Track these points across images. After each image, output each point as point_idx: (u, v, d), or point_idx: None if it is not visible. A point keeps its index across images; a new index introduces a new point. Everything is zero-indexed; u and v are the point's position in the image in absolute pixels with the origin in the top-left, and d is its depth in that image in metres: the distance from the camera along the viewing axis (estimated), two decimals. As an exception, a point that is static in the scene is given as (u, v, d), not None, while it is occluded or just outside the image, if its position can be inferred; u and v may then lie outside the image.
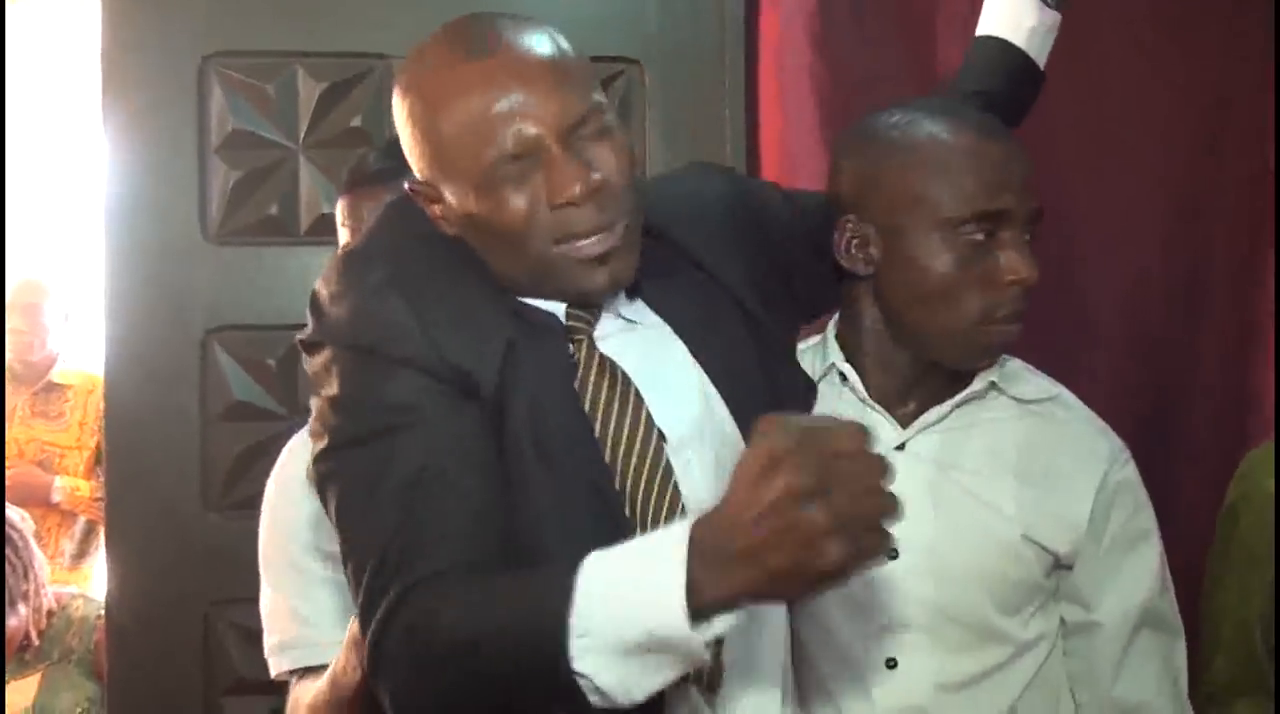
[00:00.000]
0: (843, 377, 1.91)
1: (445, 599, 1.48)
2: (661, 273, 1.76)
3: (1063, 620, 1.91)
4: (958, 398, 1.88)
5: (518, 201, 1.59)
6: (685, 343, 1.75)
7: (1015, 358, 1.95)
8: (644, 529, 1.60)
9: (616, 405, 1.66)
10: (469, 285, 1.65)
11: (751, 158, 2.95)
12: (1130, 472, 1.90)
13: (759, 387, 1.77)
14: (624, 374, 1.68)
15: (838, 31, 2.82)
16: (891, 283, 1.85)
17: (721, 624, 1.36)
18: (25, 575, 3.60)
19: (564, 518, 1.57)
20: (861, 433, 1.37)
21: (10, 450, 4.62)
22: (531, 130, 1.57)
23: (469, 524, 1.54)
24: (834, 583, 1.36)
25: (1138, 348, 2.81)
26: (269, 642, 2.11)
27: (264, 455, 2.53)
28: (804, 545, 1.31)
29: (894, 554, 1.80)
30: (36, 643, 3.67)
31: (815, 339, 1.98)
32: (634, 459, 1.64)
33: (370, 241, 1.71)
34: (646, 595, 1.36)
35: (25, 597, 3.60)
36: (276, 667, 2.09)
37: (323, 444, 1.61)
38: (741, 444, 1.69)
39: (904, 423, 1.89)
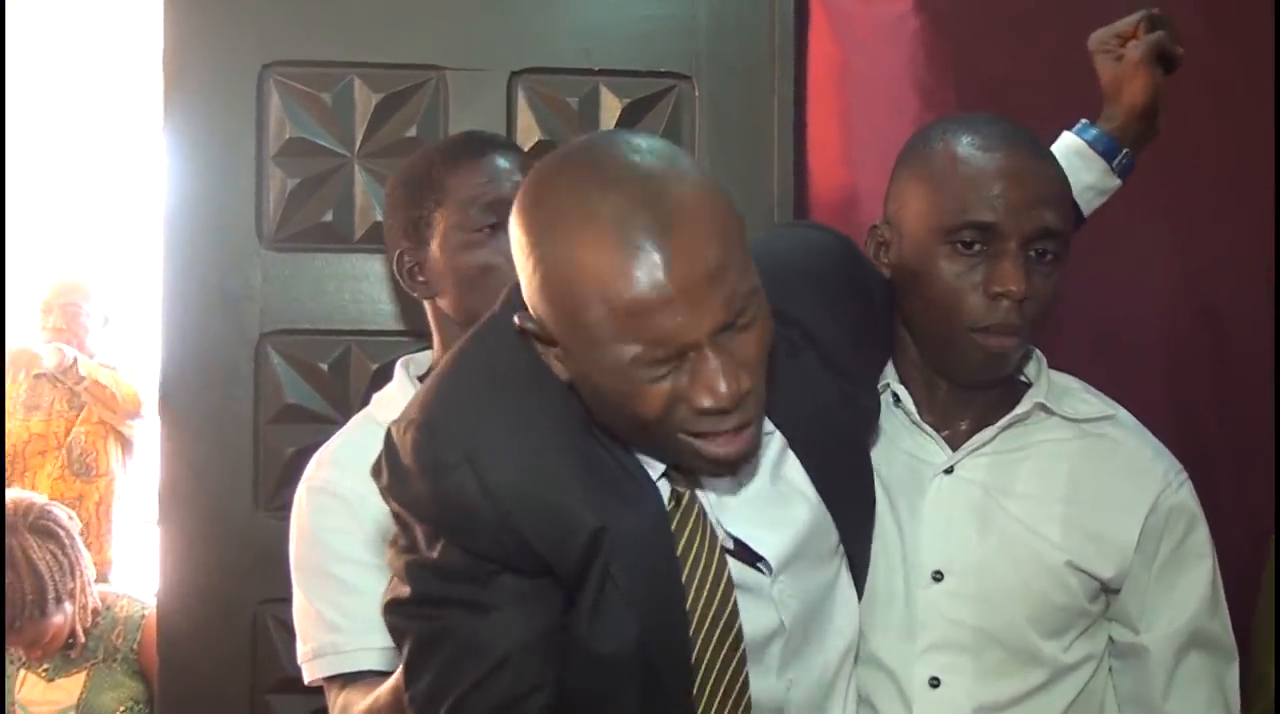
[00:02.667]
0: (896, 397, 1.94)
1: None
2: (785, 376, 1.69)
3: (1112, 640, 1.92)
4: (1003, 421, 1.90)
5: (657, 393, 1.49)
6: (788, 437, 1.73)
7: (1071, 376, 1.98)
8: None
9: (695, 548, 1.65)
10: (557, 455, 1.57)
11: (800, 174, 2.98)
12: (1185, 494, 1.90)
13: (848, 461, 1.79)
14: (701, 507, 1.67)
15: (896, 49, 2.84)
16: (904, 289, 1.89)
17: None
18: (71, 573, 3.64)
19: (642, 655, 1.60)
20: None
21: (49, 444, 4.67)
22: (690, 337, 1.45)
23: (516, 698, 1.58)
24: None
25: (1169, 364, 2.82)
26: (302, 649, 2.13)
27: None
28: None
29: (939, 576, 1.84)
30: (82, 641, 3.70)
31: None
32: (701, 605, 1.64)
33: (446, 399, 1.61)
34: None
35: (71, 594, 3.64)
36: (310, 673, 2.12)
37: (401, 593, 1.63)
38: (833, 545, 1.76)
39: (955, 445, 1.91)
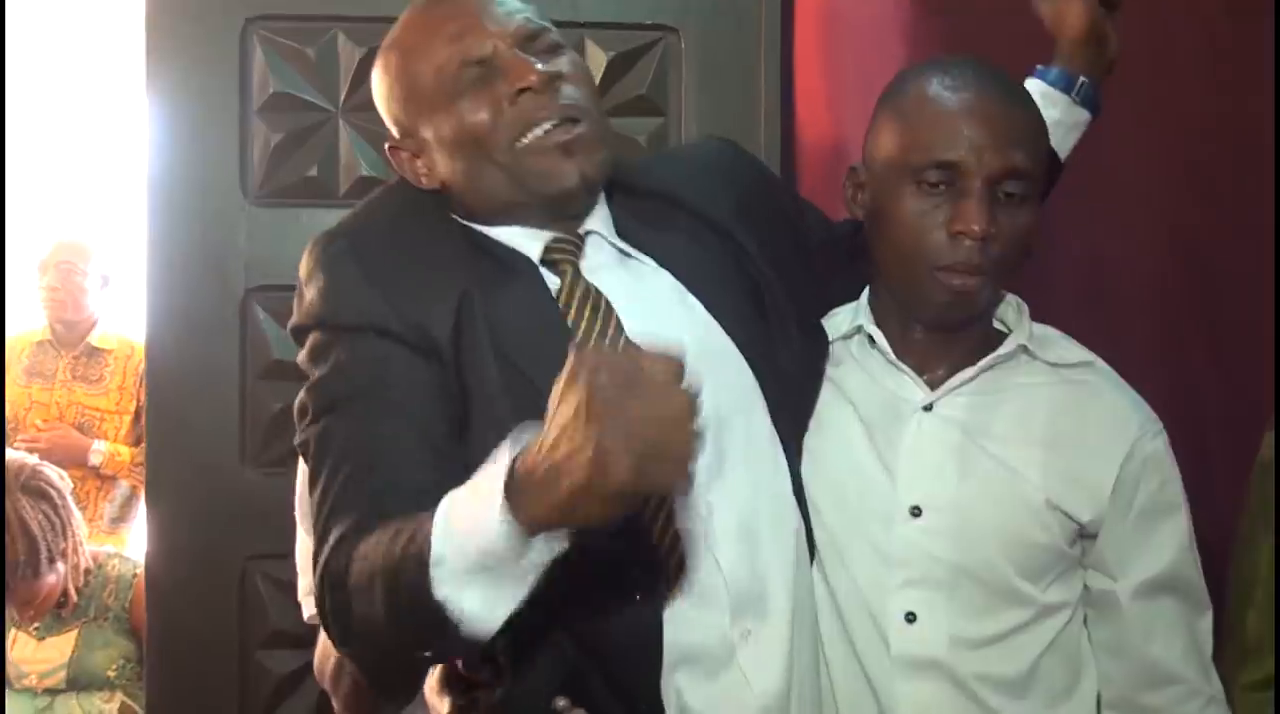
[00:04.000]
0: (871, 339, 1.95)
1: (357, 546, 1.57)
2: (662, 227, 1.85)
3: (1087, 588, 1.92)
4: (985, 361, 1.90)
5: (480, 103, 1.74)
6: (683, 284, 1.82)
7: (1044, 325, 1.98)
8: None
9: (596, 331, 1.73)
10: (431, 246, 1.78)
11: (788, 124, 2.97)
12: (1161, 444, 1.91)
13: (757, 334, 1.84)
14: (606, 302, 1.75)
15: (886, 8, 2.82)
16: (874, 229, 1.91)
17: (547, 542, 1.40)
18: (63, 533, 3.66)
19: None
20: (671, 364, 1.38)
21: (50, 413, 4.66)
22: (485, 40, 1.75)
23: (404, 476, 1.62)
24: (628, 505, 1.40)
25: (1163, 321, 2.80)
26: (301, 584, 2.17)
27: (302, 413, 2.57)
28: (593, 465, 1.33)
29: (917, 511, 1.84)
30: (74, 600, 3.72)
31: (851, 304, 2.01)
32: None
33: (340, 222, 1.84)
34: (475, 519, 1.42)
35: (63, 554, 3.66)
36: (308, 609, 2.14)
37: (305, 419, 1.72)
38: (745, 372, 1.80)
39: (934, 385, 1.91)
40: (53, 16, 6.21)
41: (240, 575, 2.87)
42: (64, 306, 4.72)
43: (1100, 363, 1.96)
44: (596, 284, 1.78)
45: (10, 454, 3.81)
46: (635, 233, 1.86)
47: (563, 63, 1.78)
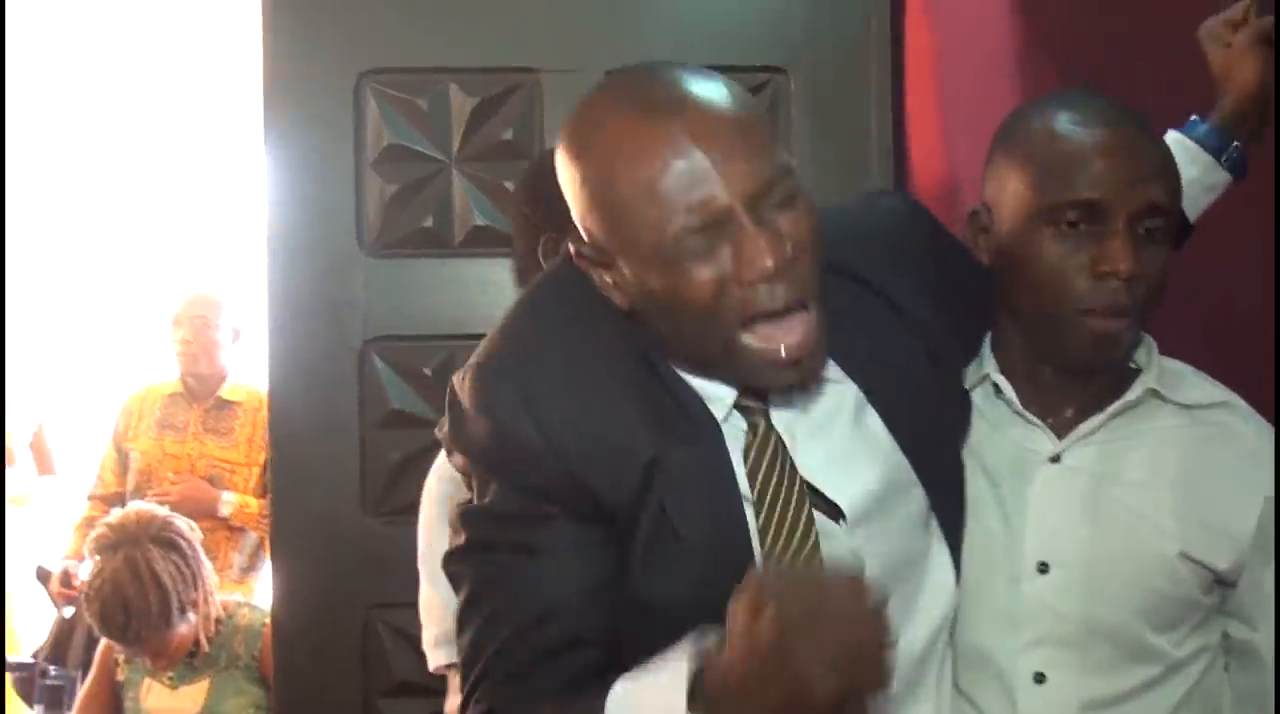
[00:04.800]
0: (996, 388, 1.86)
1: None
2: (840, 313, 1.66)
3: (1227, 635, 1.83)
4: (1112, 408, 1.80)
5: (704, 275, 1.50)
6: (866, 392, 1.70)
7: (1179, 361, 1.89)
8: None
9: (774, 487, 1.63)
10: (613, 388, 1.60)
11: (900, 164, 2.94)
12: None
13: (934, 427, 1.75)
14: (790, 462, 1.64)
15: (996, 35, 2.79)
16: (1004, 273, 1.81)
17: None
18: (194, 583, 3.70)
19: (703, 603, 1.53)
20: (858, 587, 1.37)
21: (182, 465, 4.74)
22: (721, 199, 1.48)
23: (564, 654, 1.57)
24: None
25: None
26: (427, 635, 2.17)
27: (420, 462, 2.57)
28: (795, 682, 1.32)
29: (1044, 568, 1.80)
30: (205, 649, 3.76)
31: None
32: (780, 545, 1.60)
33: (505, 343, 1.66)
34: None
35: (194, 604, 3.70)
36: (434, 660, 2.15)
37: (458, 541, 1.65)
38: (921, 513, 1.72)
39: (1061, 433, 1.82)
40: (177, 73, 6.36)
41: (363, 625, 2.89)
42: (197, 360, 4.80)
43: (1237, 401, 1.85)
44: (782, 427, 1.65)
45: (142, 506, 3.89)
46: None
47: (797, 228, 1.53)
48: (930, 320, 1.74)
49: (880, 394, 1.70)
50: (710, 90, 1.54)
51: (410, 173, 2.91)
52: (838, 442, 1.68)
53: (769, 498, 1.62)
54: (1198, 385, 1.85)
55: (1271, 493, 1.78)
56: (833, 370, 1.68)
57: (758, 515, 1.61)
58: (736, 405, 1.64)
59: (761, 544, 1.60)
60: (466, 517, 1.64)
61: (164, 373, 4.97)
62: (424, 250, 2.90)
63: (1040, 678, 1.79)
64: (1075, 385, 1.83)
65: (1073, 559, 1.78)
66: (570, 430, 1.57)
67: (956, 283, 1.81)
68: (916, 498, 1.72)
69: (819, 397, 1.68)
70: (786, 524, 1.61)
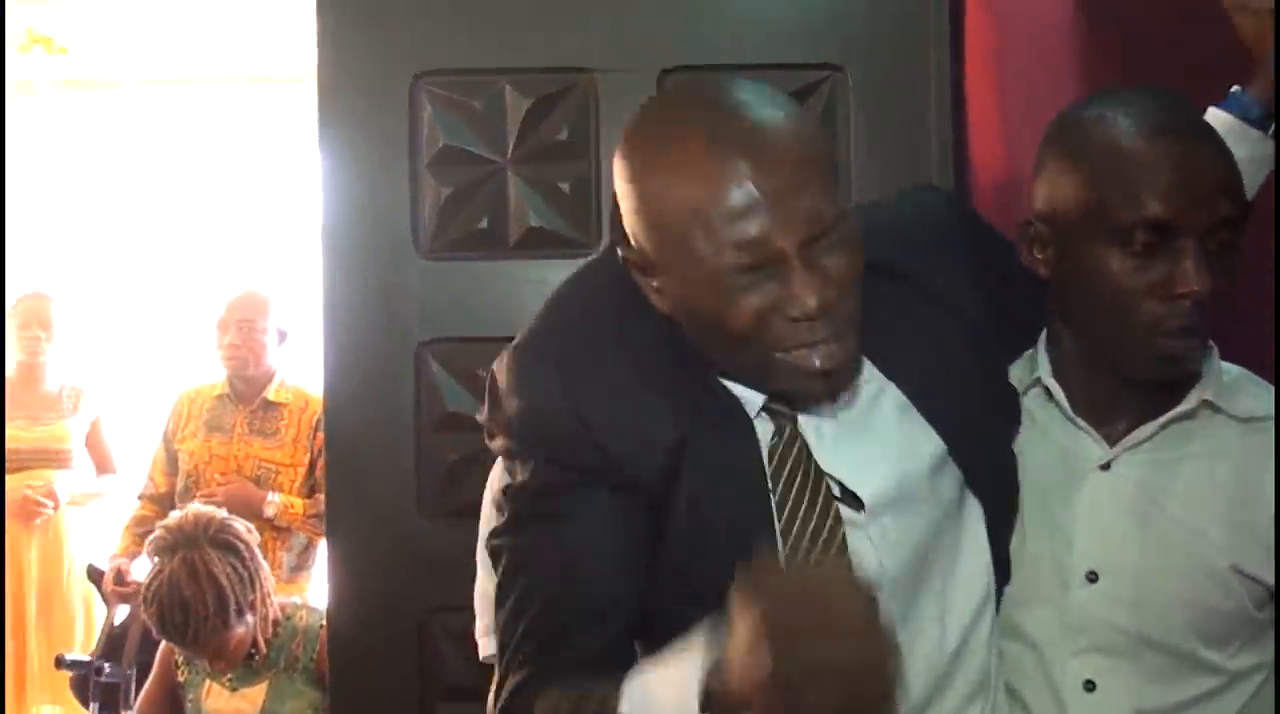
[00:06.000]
0: (1048, 392, 1.83)
1: (539, 697, 1.62)
2: (884, 312, 1.69)
3: None
4: (1164, 418, 1.76)
5: (749, 306, 1.54)
6: (905, 391, 1.71)
7: (1237, 366, 1.84)
8: None
9: (798, 486, 1.65)
10: (647, 374, 1.64)
11: (960, 163, 2.90)
12: None
13: (979, 422, 1.74)
14: (815, 466, 1.66)
15: (1058, 34, 2.73)
16: (1065, 288, 1.77)
17: None
18: (251, 585, 3.72)
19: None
20: (865, 604, 1.37)
21: (229, 466, 4.78)
22: (776, 243, 1.51)
23: (592, 625, 1.63)
24: None
25: None
26: (479, 625, 2.20)
27: (476, 464, 2.58)
28: (790, 693, 1.32)
29: (1094, 577, 1.76)
30: (264, 651, 3.77)
31: (1028, 352, 1.89)
32: (805, 542, 1.63)
33: (545, 328, 1.72)
34: None
35: (252, 606, 3.72)
36: (484, 649, 2.16)
37: (499, 521, 1.71)
38: (954, 501, 1.72)
39: (1112, 441, 1.78)
40: (231, 74, 6.39)
41: (419, 628, 2.88)
42: (245, 363, 4.84)
43: None
44: (810, 429, 1.68)
45: (200, 508, 3.90)
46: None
47: (844, 269, 1.55)
48: (972, 313, 1.74)
49: (916, 387, 1.71)
50: (777, 122, 1.55)
51: (465, 174, 2.89)
52: (864, 437, 1.69)
53: (791, 499, 1.64)
54: (1254, 395, 1.80)
55: None
56: (866, 370, 1.70)
57: (779, 515, 1.64)
58: (765, 408, 1.67)
59: (784, 543, 1.63)
60: (507, 495, 1.69)
61: (213, 374, 5.00)
62: (479, 252, 2.88)
63: (1090, 686, 1.76)
64: (1129, 393, 1.78)
65: (1122, 569, 1.75)
66: (602, 409, 1.62)
67: (1000, 277, 1.80)
68: (949, 487, 1.72)
69: (848, 400, 1.70)
70: (811, 525, 1.64)
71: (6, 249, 5.19)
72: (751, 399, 1.67)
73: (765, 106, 1.56)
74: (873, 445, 1.69)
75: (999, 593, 1.80)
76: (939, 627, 1.71)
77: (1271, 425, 1.77)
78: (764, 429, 1.68)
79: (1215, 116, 1.94)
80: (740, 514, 1.63)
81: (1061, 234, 1.75)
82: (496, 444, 1.71)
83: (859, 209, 1.62)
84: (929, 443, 1.71)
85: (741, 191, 1.50)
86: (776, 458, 1.66)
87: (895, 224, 1.78)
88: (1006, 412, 1.82)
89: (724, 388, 1.67)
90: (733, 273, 1.52)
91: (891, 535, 1.67)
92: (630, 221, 1.61)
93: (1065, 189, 1.74)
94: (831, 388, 1.64)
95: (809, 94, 2.86)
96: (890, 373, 1.71)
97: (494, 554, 1.71)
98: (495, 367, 1.69)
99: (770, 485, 1.65)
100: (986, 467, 1.76)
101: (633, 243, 1.62)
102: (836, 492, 1.67)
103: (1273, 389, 1.83)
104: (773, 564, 1.50)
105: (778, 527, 1.64)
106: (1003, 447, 1.80)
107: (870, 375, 1.70)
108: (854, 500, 1.67)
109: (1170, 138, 1.68)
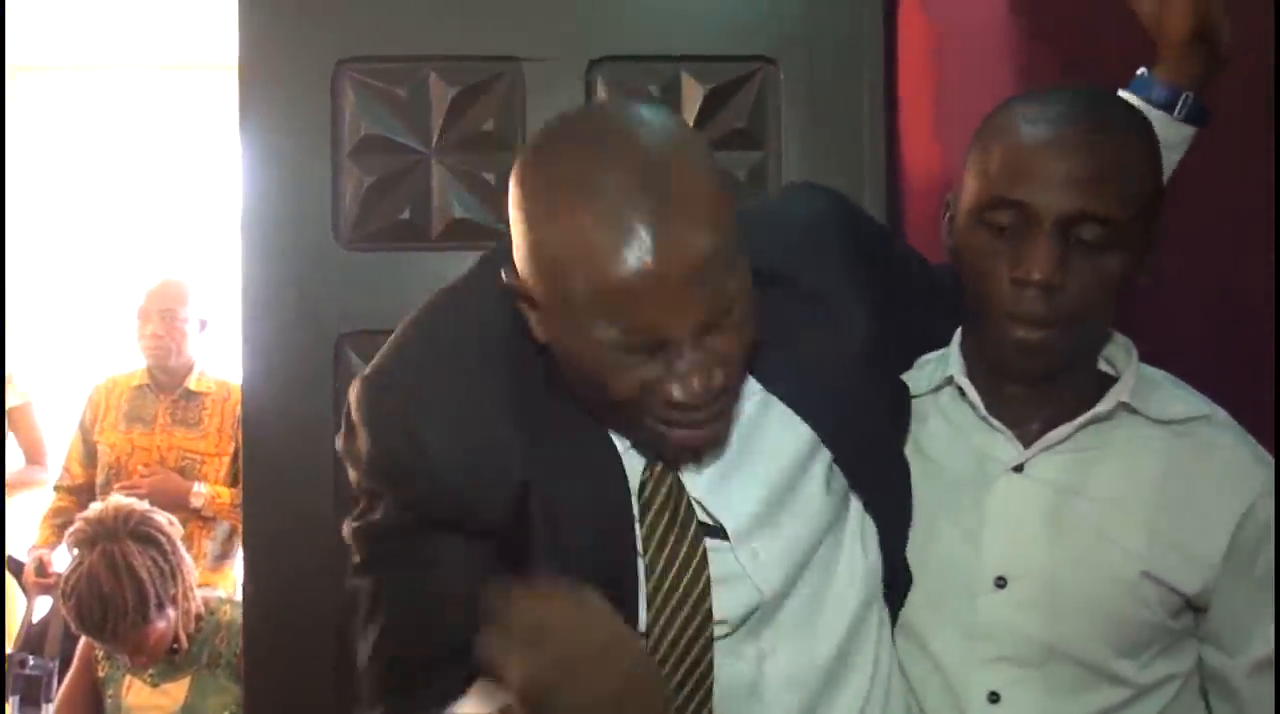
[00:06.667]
0: (961, 391, 1.80)
1: None
2: (768, 325, 1.63)
3: (1202, 661, 1.75)
4: (1081, 419, 1.73)
5: (631, 379, 1.48)
6: (779, 393, 1.68)
7: (1161, 371, 1.81)
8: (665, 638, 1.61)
9: (667, 519, 1.62)
10: (503, 407, 1.58)
11: (892, 158, 2.87)
12: None
13: (860, 423, 1.72)
14: (687, 499, 1.63)
15: (993, 23, 2.70)
16: (959, 270, 1.75)
17: None
18: (173, 579, 3.66)
19: None
20: (623, 640, 1.40)
21: (152, 457, 4.71)
22: (669, 331, 1.45)
23: (450, 664, 1.59)
24: None
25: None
26: None
27: (396, 460, 2.53)
28: None
29: (1002, 582, 1.72)
30: (185, 646, 3.71)
31: (940, 351, 1.87)
32: (671, 574, 1.61)
33: (396, 356, 1.66)
34: None
35: (174, 600, 3.66)
36: None
37: (353, 559, 1.68)
38: (838, 502, 1.71)
39: (1026, 442, 1.75)
40: (150, 61, 6.33)
41: (337, 627, 2.82)
42: (167, 353, 4.78)
43: (1219, 414, 1.77)
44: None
45: (120, 500, 3.84)
46: None
47: (732, 349, 1.50)
48: (857, 314, 1.71)
49: (794, 391, 1.68)
50: (685, 186, 1.44)
51: (388, 164, 2.83)
52: (738, 461, 1.66)
53: (659, 534, 1.61)
54: (1175, 397, 1.76)
55: (1245, 512, 1.69)
56: (752, 385, 1.67)
57: (645, 549, 1.60)
58: (634, 445, 1.63)
59: (648, 578, 1.60)
60: (358, 534, 1.64)
61: (130, 363, 4.93)
62: (402, 243, 2.82)
63: (995, 697, 1.73)
64: (1040, 392, 1.75)
65: (1031, 574, 1.71)
66: (444, 449, 1.56)
67: (886, 277, 1.77)
68: (826, 494, 1.69)
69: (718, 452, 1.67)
70: (679, 557, 1.60)
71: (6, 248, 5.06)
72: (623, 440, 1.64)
73: (680, 162, 1.45)
74: (746, 465, 1.66)
75: (900, 597, 1.76)
76: (811, 632, 1.69)
77: (1191, 428, 1.75)
78: (633, 464, 1.63)
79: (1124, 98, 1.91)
80: (602, 550, 1.59)
81: (956, 212, 1.75)
82: (351, 475, 1.66)
83: (742, 215, 1.53)
84: (801, 443, 1.68)
85: (638, 275, 1.41)
86: (647, 493, 1.62)
87: (776, 225, 1.73)
88: (893, 411, 1.80)
89: (593, 423, 1.61)
90: (617, 348, 1.46)
91: (762, 555, 1.64)
92: (521, 256, 1.51)
93: (967, 169, 1.73)
94: (696, 459, 1.63)
95: (740, 87, 2.83)
96: (764, 377, 1.68)
97: (352, 595, 1.67)
98: (350, 393, 1.64)
99: (639, 519, 1.61)
100: (869, 467, 1.73)
101: (519, 272, 1.52)
102: (708, 520, 1.64)
103: (1194, 393, 1.80)
104: (518, 595, 1.44)
105: (642, 561, 1.60)
106: (889, 446, 1.78)
107: (749, 390, 1.67)
108: (717, 529, 1.64)
109: (1054, 124, 1.65)
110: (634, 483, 1.62)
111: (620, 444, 1.62)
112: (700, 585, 1.60)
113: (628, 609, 1.58)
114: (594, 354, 1.47)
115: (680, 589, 1.59)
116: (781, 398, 1.68)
